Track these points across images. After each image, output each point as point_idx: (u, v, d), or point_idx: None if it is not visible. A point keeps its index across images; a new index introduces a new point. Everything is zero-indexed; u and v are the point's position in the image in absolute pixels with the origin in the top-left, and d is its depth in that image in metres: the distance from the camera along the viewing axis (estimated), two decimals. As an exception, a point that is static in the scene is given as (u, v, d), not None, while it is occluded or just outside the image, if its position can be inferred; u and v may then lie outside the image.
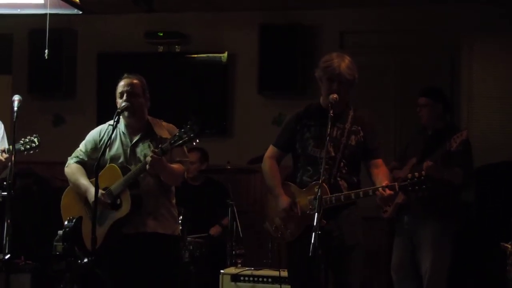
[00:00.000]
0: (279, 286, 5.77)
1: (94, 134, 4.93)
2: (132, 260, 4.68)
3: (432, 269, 5.52)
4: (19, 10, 6.17)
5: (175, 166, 4.70)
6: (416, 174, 4.28)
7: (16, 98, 4.83)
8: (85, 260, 4.62)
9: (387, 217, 5.80)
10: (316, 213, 4.02)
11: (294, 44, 7.68)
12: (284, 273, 5.66)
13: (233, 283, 6.01)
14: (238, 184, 7.46)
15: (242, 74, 8.03)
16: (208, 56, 8.06)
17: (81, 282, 5.59)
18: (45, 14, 5.81)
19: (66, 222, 4.76)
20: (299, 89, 7.63)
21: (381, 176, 4.45)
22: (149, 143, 4.75)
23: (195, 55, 8.13)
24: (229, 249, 6.54)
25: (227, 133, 8.02)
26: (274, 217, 4.66)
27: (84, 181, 4.80)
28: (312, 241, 3.92)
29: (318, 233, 3.94)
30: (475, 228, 6.59)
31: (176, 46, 8.14)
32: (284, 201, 4.56)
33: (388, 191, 4.29)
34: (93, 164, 4.69)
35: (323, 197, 4.20)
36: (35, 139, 5.10)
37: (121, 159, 4.78)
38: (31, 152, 5.10)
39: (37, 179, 7.94)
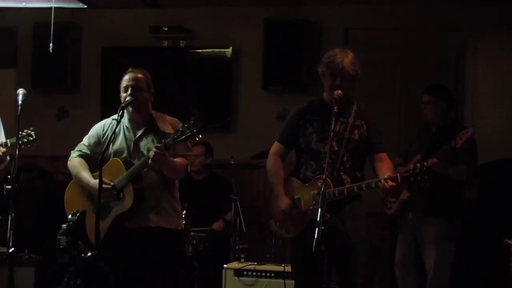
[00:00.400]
0: (282, 280, 5.76)
1: (97, 128, 4.94)
2: (135, 254, 4.69)
3: (436, 266, 5.52)
4: (24, 3, 6.18)
5: (178, 160, 4.70)
6: (418, 165, 4.27)
7: (20, 91, 4.83)
8: (89, 254, 4.63)
9: (391, 213, 5.80)
10: (319, 208, 4.03)
11: (299, 39, 7.67)
12: (288, 268, 5.66)
13: (236, 277, 6.01)
14: (241, 179, 7.46)
15: (246, 69, 8.03)
16: (212, 51, 8.05)
17: (85, 275, 5.60)
18: (50, 8, 5.82)
19: (69, 216, 4.77)
20: (304, 85, 7.62)
21: (385, 169, 4.44)
22: (153, 137, 4.76)
23: (200, 50, 8.12)
24: (232, 243, 6.54)
25: (231, 128, 8.02)
26: (280, 212, 4.67)
27: (86, 175, 4.80)
28: (315, 236, 3.93)
29: (321, 228, 3.95)
30: (479, 225, 6.59)
31: (181, 41, 8.13)
32: (283, 202, 4.57)
33: (390, 183, 4.28)
34: (96, 158, 4.70)
35: (326, 191, 4.20)
36: (32, 133, 5.07)
37: (125, 154, 4.79)
38: (28, 145, 5.06)
39: (41, 173, 7.95)
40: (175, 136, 4.45)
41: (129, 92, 4.72)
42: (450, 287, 5.64)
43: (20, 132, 5.00)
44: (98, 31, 8.35)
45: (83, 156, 4.90)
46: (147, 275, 4.70)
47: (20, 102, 4.77)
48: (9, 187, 4.57)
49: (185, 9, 8.14)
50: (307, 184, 4.55)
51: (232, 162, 6.88)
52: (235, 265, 6.14)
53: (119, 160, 4.74)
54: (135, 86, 4.72)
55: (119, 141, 4.81)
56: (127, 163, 4.70)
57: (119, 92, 4.81)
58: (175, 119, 4.85)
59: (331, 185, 4.39)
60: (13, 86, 8.10)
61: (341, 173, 4.49)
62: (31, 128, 5.10)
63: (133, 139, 4.79)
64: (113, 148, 4.79)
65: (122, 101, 4.73)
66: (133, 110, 4.74)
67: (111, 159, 4.76)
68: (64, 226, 4.71)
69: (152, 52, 8.11)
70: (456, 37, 7.53)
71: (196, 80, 8.08)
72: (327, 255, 4.15)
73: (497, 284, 6.22)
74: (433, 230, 5.55)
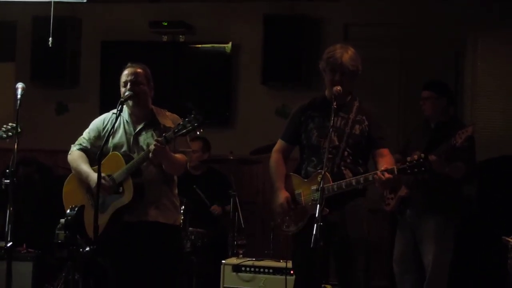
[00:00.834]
0: (280, 276, 5.77)
1: (97, 122, 4.94)
2: (134, 249, 4.69)
3: (434, 262, 5.52)
4: (23, -3, 6.16)
5: (177, 156, 4.70)
6: (415, 156, 4.26)
7: (20, 85, 4.81)
8: (87, 248, 4.63)
9: (389, 210, 5.80)
10: (318, 204, 4.03)
11: (299, 35, 7.66)
12: (289, 264, 5.67)
13: (234, 273, 6.01)
14: (240, 174, 7.46)
15: (246, 64, 8.02)
16: (212, 46, 8.05)
17: (83, 270, 5.60)
18: (49, 2, 5.81)
19: (68, 211, 4.77)
20: (303, 80, 7.62)
21: (384, 163, 4.43)
22: (153, 132, 4.75)
23: (199, 45, 8.11)
24: (230, 239, 6.54)
25: (230, 123, 8.02)
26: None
27: (85, 167, 4.80)
28: (314, 233, 3.93)
29: (320, 224, 3.95)
30: (477, 222, 6.59)
31: (181, 36, 8.12)
32: (281, 196, 4.59)
33: (386, 175, 4.27)
34: (96, 152, 4.69)
35: (325, 186, 4.20)
36: (17, 126, 5.03)
37: (124, 148, 4.78)
38: (12, 137, 4.98)
39: (40, 167, 7.94)
40: (176, 130, 4.44)
41: (128, 86, 4.71)
42: (448, 283, 5.65)
43: (5, 126, 4.96)
44: (98, 26, 8.35)
45: (83, 149, 4.90)
46: (145, 270, 4.70)
47: (19, 96, 4.75)
48: (8, 181, 4.56)
49: (184, 4, 8.13)
50: (307, 180, 4.56)
51: (231, 157, 6.88)
52: (234, 260, 6.14)
53: (118, 154, 4.74)
54: (135, 81, 4.72)
55: (119, 135, 4.81)
56: (127, 157, 4.70)
57: (118, 87, 4.81)
58: (175, 115, 4.84)
59: (330, 179, 4.39)
60: (12, 80, 8.09)
61: (342, 167, 4.50)
62: (15, 122, 5.03)
63: (133, 133, 4.79)
64: (112, 142, 4.79)
65: (121, 96, 4.72)
66: (133, 105, 4.74)
67: (110, 153, 4.76)
68: (62, 220, 4.71)
69: (152, 47, 8.10)
70: (456, 33, 7.52)
71: (196, 75, 8.07)
72: (325, 251, 4.15)
73: (496, 281, 6.22)
74: (432, 227, 5.55)
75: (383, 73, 7.63)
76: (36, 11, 7.75)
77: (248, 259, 6.12)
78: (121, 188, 4.68)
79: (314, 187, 4.47)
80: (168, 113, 4.87)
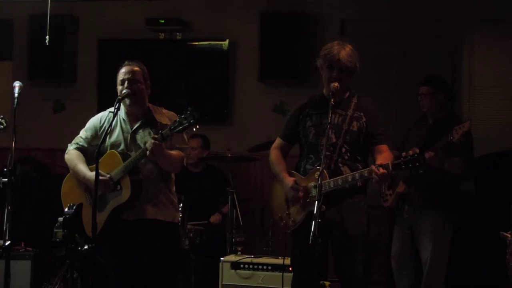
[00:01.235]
0: (278, 273, 5.77)
1: (94, 121, 4.94)
2: (132, 247, 4.70)
3: (432, 258, 5.53)
4: (19, -4, 6.15)
5: (173, 152, 4.69)
6: (410, 152, 4.27)
7: (17, 84, 4.80)
8: (86, 246, 4.62)
9: (388, 206, 5.81)
10: (316, 201, 4.03)
11: (296, 32, 7.66)
12: (287, 261, 5.67)
13: (233, 270, 6.02)
14: (238, 171, 7.46)
15: (243, 61, 8.02)
16: (209, 44, 8.05)
17: (82, 269, 5.59)
18: (46, 0, 5.80)
19: (66, 209, 4.75)
20: (300, 77, 7.62)
21: (382, 160, 4.43)
22: (150, 130, 4.75)
23: (196, 43, 8.11)
24: (229, 236, 6.55)
25: (228, 121, 8.01)
26: (279, 206, 4.68)
27: (83, 168, 4.80)
28: (312, 229, 3.93)
29: (318, 221, 3.95)
30: (475, 217, 6.60)
31: (177, 34, 8.12)
32: (289, 181, 4.58)
33: (381, 170, 4.28)
34: (93, 151, 4.70)
35: (322, 182, 4.20)
36: (3, 121, 5.01)
37: (121, 146, 4.79)
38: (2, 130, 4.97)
39: (38, 166, 7.93)
40: (172, 127, 4.45)
41: (125, 85, 4.71)
42: (446, 279, 5.65)
43: None
44: (95, 24, 8.33)
45: (80, 149, 4.90)
46: (144, 267, 4.71)
47: (16, 95, 4.74)
48: (6, 180, 4.56)
49: (181, 1, 8.12)
50: (305, 177, 4.56)
51: (229, 154, 6.88)
52: (232, 258, 6.14)
53: (116, 152, 4.74)
54: (132, 79, 4.72)
55: (116, 134, 4.81)
56: (124, 156, 4.70)
57: (115, 85, 4.81)
58: (172, 112, 4.85)
59: (327, 176, 4.39)
60: (9, 78, 8.10)
61: (340, 164, 4.50)
62: (1, 116, 5.01)
63: (130, 132, 4.79)
64: (109, 140, 4.79)
65: (118, 94, 4.72)
66: (129, 103, 4.74)
67: (107, 151, 4.76)
68: (60, 219, 4.70)
69: (149, 45, 8.10)
70: (453, 29, 7.52)
71: (193, 73, 8.07)
72: (324, 248, 4.15)
73: (494, 276, 6.23)
74: (430, 222, 5.55)
75: (380, 69, 7.62)
76: (33, 10, 7.75)
77: (246, 256, 6.12)
78: (118, 186, 4.68)
79: (311, 184, 4.47)
80: (164, 111, 4.87)
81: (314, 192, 4.40)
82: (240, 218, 6.65)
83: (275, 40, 7.70)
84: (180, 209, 6.21)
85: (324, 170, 4.33)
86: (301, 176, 4.60)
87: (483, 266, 6.63)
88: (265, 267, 5.96)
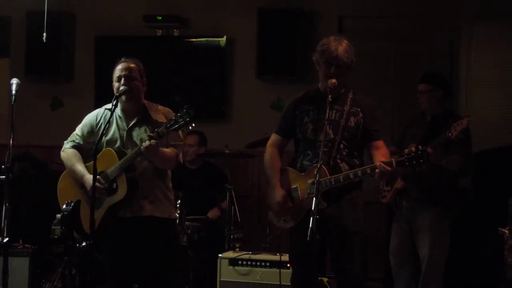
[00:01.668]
0: (277, 270, 5.77)
1: (90, 118, 4.93)
2: (130, 244, 4.69)
3: (430, 254, 5.52)
4: (17, -8, 6.15)
5: (167, 150, 4.68)
6: (413, 149, 4.27)
7: (14, 81, 4.80)
8: (83, 243, 4.63)
9: (386, 202, 5.80)
10: (314, 198, 4.03)
11: (293, 28, 7.66)
12: (284, 258, 5.68)
13: (231, 267, 6.01)
14: (236, 168, 7.46)
15: (240, 58, 8.01)
16: (207, 40, 8.04)
17: (80, 265, 5.60)
18: (44, -3, 5.79)
19: (64, 206, 4.76)
20: (298, 74, 7.62)
21: (380, 156, 4.44)
22: (145, 127, 4.74)
23: (194, 39, 8.11)
24: (227, 233, 6.54)
25: (226, 117, 8.01)
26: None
27: (80, 168, 4.80)
28: (310, 226, 3.93)
29: (316, 217, 3.95)
30: (473, 214, 6.60)
31: (175, 30, 8.12)
32: (278, 194, 4.58)
33: (387, 167, 4.29)
34: (89, 148, 4.71)
35: (322, 179, 4.20)
36: None
37: (118, 143, 4.78)
38: None
39: (35, 163, 7.91)
40: (168, 125, 4.44)
41: (122, 81, 4.70)
42: (444, 275, 5.65)
43: None
44: (92, 20, 8.33)
45: (76, 146, 4.89)
46: (142, 264, 4.71)
47: (14, 92, 4.74)
48: (3, 177, 4.56)
49: (179, -2, 8.13)
50: (303, 173, 4.56)
51: (227, 151, 6.87)
52: (230, 254, 6.14)
53: (112, 150, 4.73)
54: (128, 76, 4.72)
55: (112, 131, 4.80)
56: (120, 153, 4.70)
57: (112, 82, 4.80)
58: (167, 109, 4.84)
59: (327, 173, 4.39)
60: (6, 75, 8.09)
61: (338, 160, 4.50)
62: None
63: (126, 129, 4.78)
64: (105, 138, 4.77)
65: (115, 91, 4.71)
66: (126, 100, 4.73)
67: (103, 149, 4.75)
68: (58, 216, 4.70)
69: (146, 41, 8.10)
70: (450, 25, 7.52)
71: (190, 70, 8.07)
72: (322, 244, 4.15)
73: (491, 272, 6.23)
74: (428, 218, 5.55)
75: (378, 65, 7.63)
76: (30, 6, 7.73)
77: (244, 252, 6.12)
78: (115, 184, 4.68)
79: (310, 181, 4.46)
80: (160, 107, 4.86)
81: (313, 189, 4.39)
82: (238, 215, 6.66)
83: (272, 37, 7.70)
84: (178, 206, 6.23)
85: (324, 167, 4.33)
86: (299, 173, 4.59)
87: (481, 262, 6.63)
88: (263, 263, 5.95)
